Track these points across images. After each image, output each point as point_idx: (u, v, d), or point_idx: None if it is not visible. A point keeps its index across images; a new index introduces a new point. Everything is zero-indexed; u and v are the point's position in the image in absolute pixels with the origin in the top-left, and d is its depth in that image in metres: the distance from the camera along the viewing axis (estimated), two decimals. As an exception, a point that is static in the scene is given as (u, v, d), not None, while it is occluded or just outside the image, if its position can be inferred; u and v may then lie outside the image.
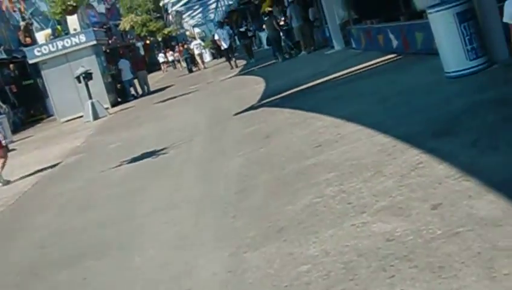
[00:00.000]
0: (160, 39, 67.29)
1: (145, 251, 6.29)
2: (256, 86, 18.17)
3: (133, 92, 31.09)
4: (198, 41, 44.07)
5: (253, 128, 11.24)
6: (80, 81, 23.96)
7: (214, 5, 59.07)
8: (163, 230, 6.86)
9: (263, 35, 35.12)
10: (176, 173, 9.73)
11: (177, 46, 55.69)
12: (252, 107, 13.77)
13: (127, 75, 30.15)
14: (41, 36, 29.79)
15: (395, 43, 15.35)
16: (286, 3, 29.25)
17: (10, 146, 15.85)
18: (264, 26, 30.69)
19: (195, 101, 20.31)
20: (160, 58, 55.98)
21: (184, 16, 68.81)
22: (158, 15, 66.48)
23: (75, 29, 28.36)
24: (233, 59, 30.13)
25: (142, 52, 60.64)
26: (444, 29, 9.83)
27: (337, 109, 10.32)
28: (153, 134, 14.92)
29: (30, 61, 29.27)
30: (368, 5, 17.92)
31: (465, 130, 6.87)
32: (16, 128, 30.32)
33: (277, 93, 14.91)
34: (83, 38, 27.67)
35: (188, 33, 77.27)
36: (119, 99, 29.78)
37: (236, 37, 36.55)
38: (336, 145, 7.96)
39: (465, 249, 4.07)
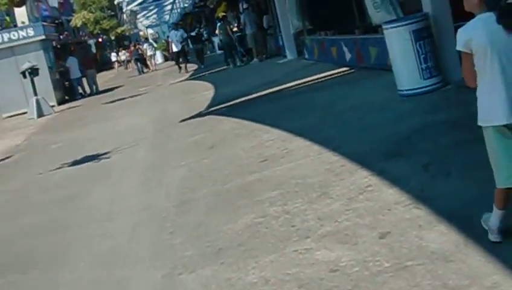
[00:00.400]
0: (113, 38, 66.52)
1: (76, 266, 5.92)
2: (205, 92, 17.84)
3: (81, 90, 30.41)
4: (151, 41, 43.51)
5: (198, 136, 10.89)
6: (25, 77, 23.27)
7: (169, 7, 58.56)
8: (96, 243, 6.50)
9: (216, 40, 34.76)
10: (116, 180, 9.36)
11: (130, 46, 55.07)
12: (200, 114, 13.43)
13: (75, 73, 29.41)
14: (-15, 27, 28.98)
15: (348, 56, 15.19)
16: (241, 10, 28.95)
17: None
18: (217, 31, 30.30)
19: (143, 104, 19.86)
20: (113, 57, 55.48)
21: (139, 16, 67.98)
22: (112, 13, 65.75)
23: (23, 22, 27.59)
24: (185, 63, 29.62)
25: (94, 50, 59.74)
26: (399, 46, 9.67)
27: (285, 122, 10.03)
28: (98, 136, 14.47)
29: (-27, 53, 28.16)
30: (323, 16, 17.73)
31: (417, 153, 6.66)
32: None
33: (226, 101, 14.59)
34: (31, 32, 26.82)
35: (141, 33, 76.54)
36: (66, 98, 29.04)
37: (189, 41, 36.11)
38: (282, 161, 7.67)
39: (414, 285, 3.83)
